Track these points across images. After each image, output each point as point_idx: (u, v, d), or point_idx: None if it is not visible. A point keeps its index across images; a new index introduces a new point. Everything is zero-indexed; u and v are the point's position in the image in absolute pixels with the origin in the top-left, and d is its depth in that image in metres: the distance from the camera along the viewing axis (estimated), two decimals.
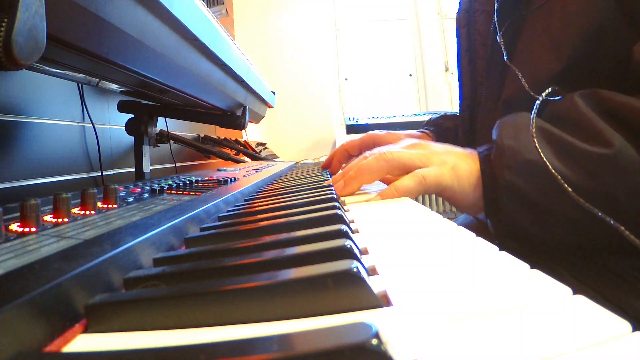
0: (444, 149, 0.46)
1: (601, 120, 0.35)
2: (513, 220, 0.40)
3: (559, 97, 0.39)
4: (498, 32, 0.53)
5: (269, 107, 1.26)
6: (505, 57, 0.51)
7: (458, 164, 0.43)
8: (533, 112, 0.39)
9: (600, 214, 0.33)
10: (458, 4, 0.71)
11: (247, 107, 0.91)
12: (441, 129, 0.76)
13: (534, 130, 0.37)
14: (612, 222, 0.32)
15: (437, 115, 0.81)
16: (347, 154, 0.74)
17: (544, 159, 0.36)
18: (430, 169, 0.43)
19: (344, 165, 0.75)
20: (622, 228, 0.31)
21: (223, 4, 1.43)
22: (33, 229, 0.23)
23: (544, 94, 0.40)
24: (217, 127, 1.52)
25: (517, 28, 0.51)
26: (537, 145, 0.36)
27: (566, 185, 0.34)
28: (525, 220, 0.38)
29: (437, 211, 1.54)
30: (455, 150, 0.46)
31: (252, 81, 0.88)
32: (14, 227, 0.23)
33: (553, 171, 0.35)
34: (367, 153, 0.49)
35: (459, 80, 0.70)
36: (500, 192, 0.39)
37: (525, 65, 0.48)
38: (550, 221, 0.38)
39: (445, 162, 0.44)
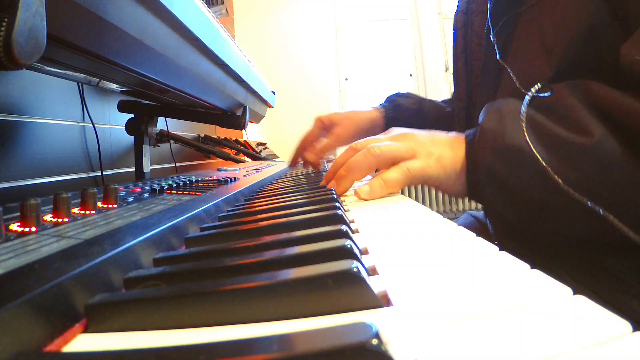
0: (431, 139, 0.46)
1: (585, 111, 0.36)
2: (491, 205, 0.40)
3: (549, 93, 0.40)
4: (492, 30, 0.53)
5: (269, 107, 1.26)
6: (498, 56, 0.51)
7: (443, 154, 0.44)
8: (524, 105, 0.39)
9: (590, 203, 0.33)
10: (456, 5, 0.72)
11: (247, 107, 0.91)
12: (395, 105, 0.79)
13: (524, 120, 0.37)
14: (601, 212, 0.32)
15: (395, 94, 0.83)
16: (311, 142, 0.78)
17: (530, 145, 0.36)
18: (416, 161, 0.44)
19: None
20: (612, 217, 0.31)
21: (223, 3, 1.43)
22: (33, 229, 0.23)
23: (533, 90, 0.40)
24: (217, 127, 1.52)
25: (511, 27, 0.51)
26: (525, 132, 0.37)
27: (556, 177, 0.34)
28: (502, 203, 0.39)
29: (437, 211, 1.55)
30: (441, 137, 0.47)
31: (252, 81, 0.88)
32: (14, 226, 0.23)
33: (539, 158, 0.35)
34: (354, 144, 0.50)
35: (455, 82, 0.70)
36: (481, 175, 0.40)
37: (518, 67, 0.49)
38: (525, 207, 0.38)
39: (431, 153, 0.44)
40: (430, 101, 0.84)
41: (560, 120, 0.37)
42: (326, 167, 0.81)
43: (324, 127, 0.77)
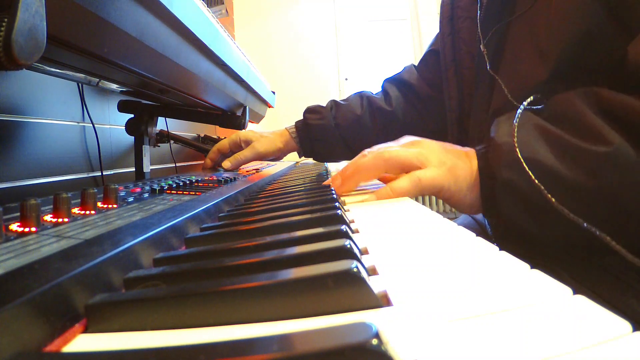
0: (443, 148, 0.46)
1: (599, 119, 0.35)
2: (511, 218, 0.39)
3: (541, 105, 0.39)
4: (482, 41, 0.52)
5: (269, 107, 1.26)
6: (488, 67, 0.50)
7: (456, 165, 0.43)
8: (515, 119, 0.39)
9: (585, 224, 0.33)
10: (439, 11, 0.70)
11: (247, 107, 0.91)
12: (304, 124, 0.85)
13: (515, 139, 0.37)
14: (597, 233, 0.32)
15: (306, 109, 0.87)
16: (219, 154, 0.86)
17: (519, 154, 0.36)
18: (427, 171, 0.43)
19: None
20: (608, 238, 0.32)
21: (223, 4, 1.43)
22: (33, 229, 0.23)
23: (525, 103, 0.40)
24: (217, 127, 1.52)
25: (502, 36, 0.51)
26: (515, 143, 0.37)
27: (550, 196, 0.35)
28: (523, 218, 0.38)
29: (437, 211, 1.54)
30: (453, 148, 0.46)
31: (252, 81, 0.88)
32: (14, 227, 0.23)
33: (542, 188, 0.35)
34: (365, 151, 0.49)
35: (445, 93, 0.69)
36: (498, 190, 0.39)
37: (511, 74, 0.48)
38: (548, 219, 0.37)
39: (443, 162, 0.43)
40: (346, 107, 0.84)
41: (574, 130, 0.37)
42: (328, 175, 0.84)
43: (236, 144, 0.85)
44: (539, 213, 0.37)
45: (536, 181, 0.35)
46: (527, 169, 0.36)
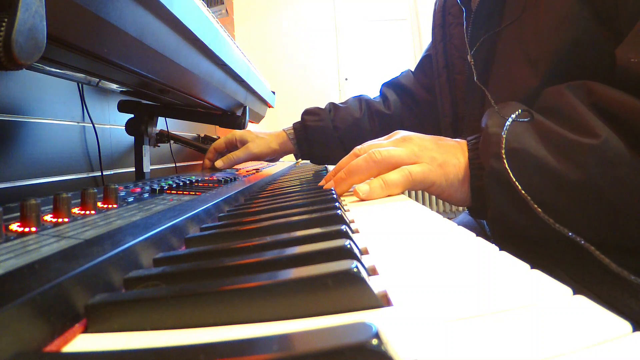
0: (435, 144, 0.46)
1: (589, 112, 0.36)
2: (498, 208, 0.40)
3: (529, 118, 0.39)
4: (469, 52, 0.52)
5: (269, 107, 1.26)
6: (475, 78, 0.51)
7: (447, 161, 0.44)
8: (503, 131, 0.39)
9: (570, 234, 0.33)
10: (432, 18, 0.71)
11: (247, 107, 0.91)
12: (303, 125, 0.86)
13: (503, 151, 0.37)
14: (582, 242, 0.32)
15: (304, 111, 0.88)
16: (216, 153, 0.87)
17: (508, 171, 0.36)
18: (417, 166, 0.44)
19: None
20: (592, 248, 0.32)
21: (223, 4, 1.43)
22: (33, 229, 0.23)
23: (514, 115, 0.40)
24: (217, 127, 1.52)
25: (491, 46, 0.51)
26: (504, 158, 0.37)
27: (533, 203, 0.35)
28: (511, 208, 0.39)
29: (437, 211, 1.54)
30: (445, 143, 0.46)
31: (252, 81, 0.88)
32: (14, 227, 0.23)
33: (518, 186, 0.36)
34: (356, 149, 0.50)
35: (439, 97, 0.69)
36: (486, 180, 0.39)
37: (501, 83, 0.48)
38: (534, 212, 0.37)
39: (434, 159, 0.44)
40: (345, 110, 0.84)
41: (563, 122, 0.37)
42: None
43: (232, 143, 0.86)
44: (525, 205, 0.37)
45: (516, 182, 0.35)
46: (506, 165, 0.36)
